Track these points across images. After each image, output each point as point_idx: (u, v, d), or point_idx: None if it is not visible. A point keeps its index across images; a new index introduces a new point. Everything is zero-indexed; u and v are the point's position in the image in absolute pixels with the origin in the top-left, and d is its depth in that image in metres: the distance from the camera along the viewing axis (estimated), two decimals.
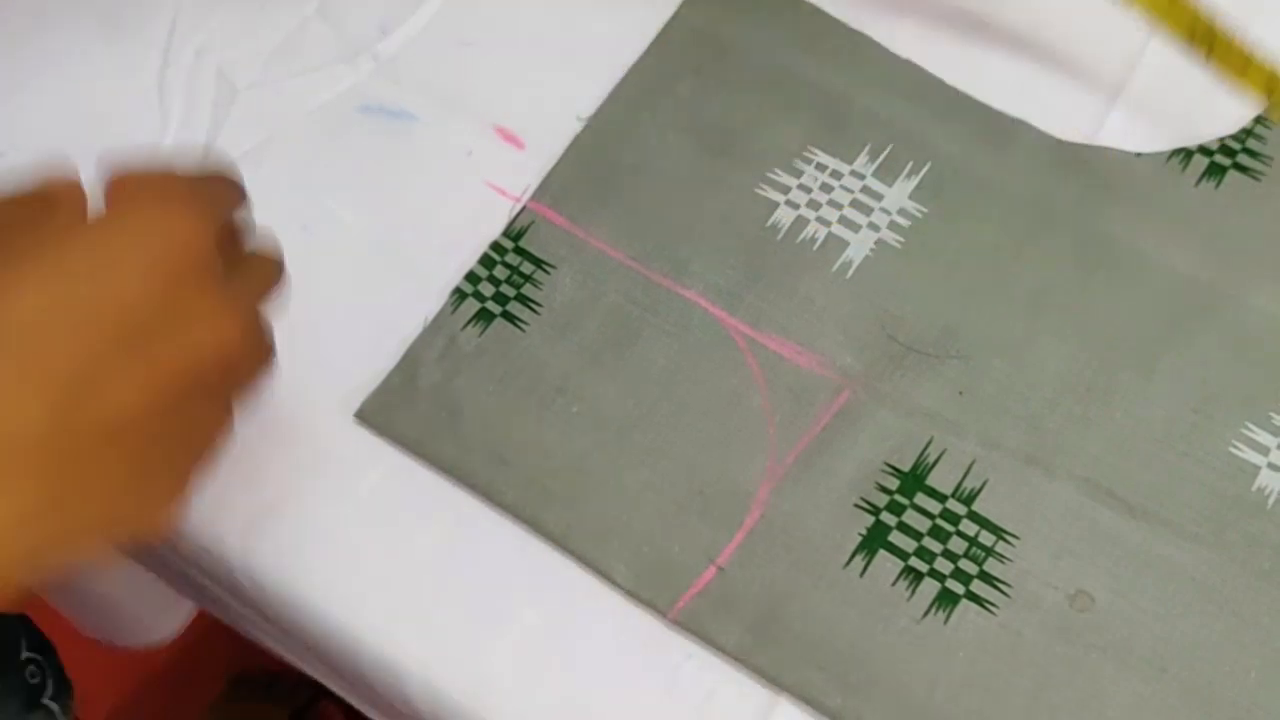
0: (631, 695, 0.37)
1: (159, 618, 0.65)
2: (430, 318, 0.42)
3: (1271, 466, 0.38)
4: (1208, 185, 0.43)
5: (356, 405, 0.40)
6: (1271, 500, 0.38)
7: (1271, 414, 0.39)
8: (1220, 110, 0.44)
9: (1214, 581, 0.37)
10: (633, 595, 0.37)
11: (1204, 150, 0.43)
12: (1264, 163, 0.43)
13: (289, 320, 0.43)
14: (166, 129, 0.46)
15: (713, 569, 0.38)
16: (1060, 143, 0.43)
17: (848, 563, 0.38)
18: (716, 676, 0.37)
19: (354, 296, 0.43)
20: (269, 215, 0.44)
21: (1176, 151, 0.43)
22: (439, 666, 0.37)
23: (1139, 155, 0.43)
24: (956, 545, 0.38)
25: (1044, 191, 0.43)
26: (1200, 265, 0.41)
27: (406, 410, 0.40)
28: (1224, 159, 0.43)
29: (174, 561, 0.44)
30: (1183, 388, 0.40)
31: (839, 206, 0.43)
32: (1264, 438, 0.39)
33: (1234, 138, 0.43)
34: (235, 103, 0.46)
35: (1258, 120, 0.43)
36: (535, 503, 0.39)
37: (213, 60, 0.47)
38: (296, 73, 0.47)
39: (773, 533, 0.38)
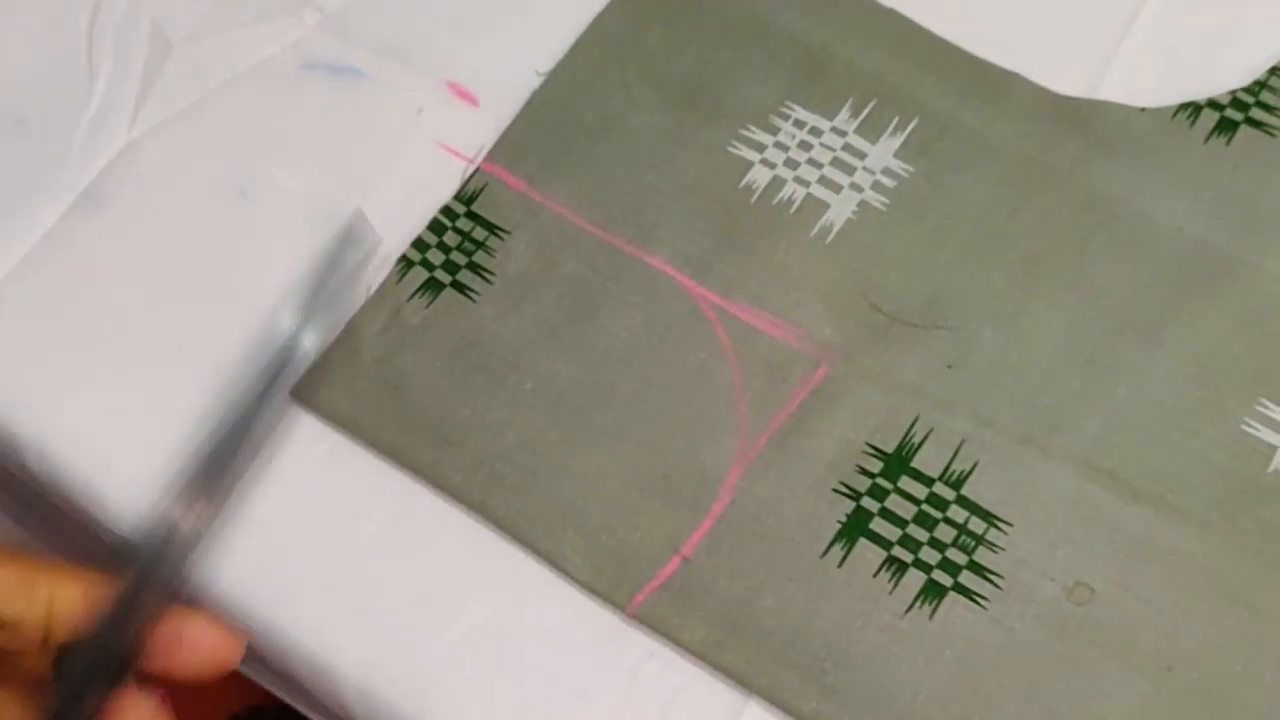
0: (587, 697, 0.33)
1: None
2: (374, 288, 0.38)
3: None
4: (1218, 142, 0.39)
5: (292, 382, 0.37)
6: None
7: None
8: (1232, 60, 0.41)
9: (1225, 572, 0.34)
10: (588, 588, 0.34)
11: (1213, 104, 0.40)
12: (1279, 117, 0.39)
13: (226, 290, 0.40)
14: (94, 86, 0.42)
15: (677, 559, 0.34)
16: (1057, 96, 0.40)
17: (825, 552, 0.34)
18: (680, 677, 0.33)
19: (293, 266, 0.39)
20: (202, 179, 0.41)
21: (1184, 106, 0.40)
22: (376, 667, 0.34)
23: (1143, 110, 0.40)
24: (944, 533, 0.34)
25: (1040, 149, 0.39)
26: (1210, 228, 0.38)
27: (346, 388, 0.37)
28: (1235, 113, 0.39)
29: None
30: (1191, 361, 0.36)
31: (819, 166, 0.39)
32: None
33: (1246, 90, 0.40)
34: (169, 58, 0.43)
35: (1273, 71, 0.40)
36: (484, 487, 0.35)
37: (147, 11, 0.43)
38: (236, 26, 0.43)
39: (743, 520, 0.35)
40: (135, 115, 0.42)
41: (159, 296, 0.39)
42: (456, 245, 0.39)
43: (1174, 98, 0.40)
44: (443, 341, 0.38)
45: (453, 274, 0.39)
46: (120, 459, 0.37)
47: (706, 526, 0.35)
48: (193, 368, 0.38)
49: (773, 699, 0.33)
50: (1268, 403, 0.36)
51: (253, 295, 0.39)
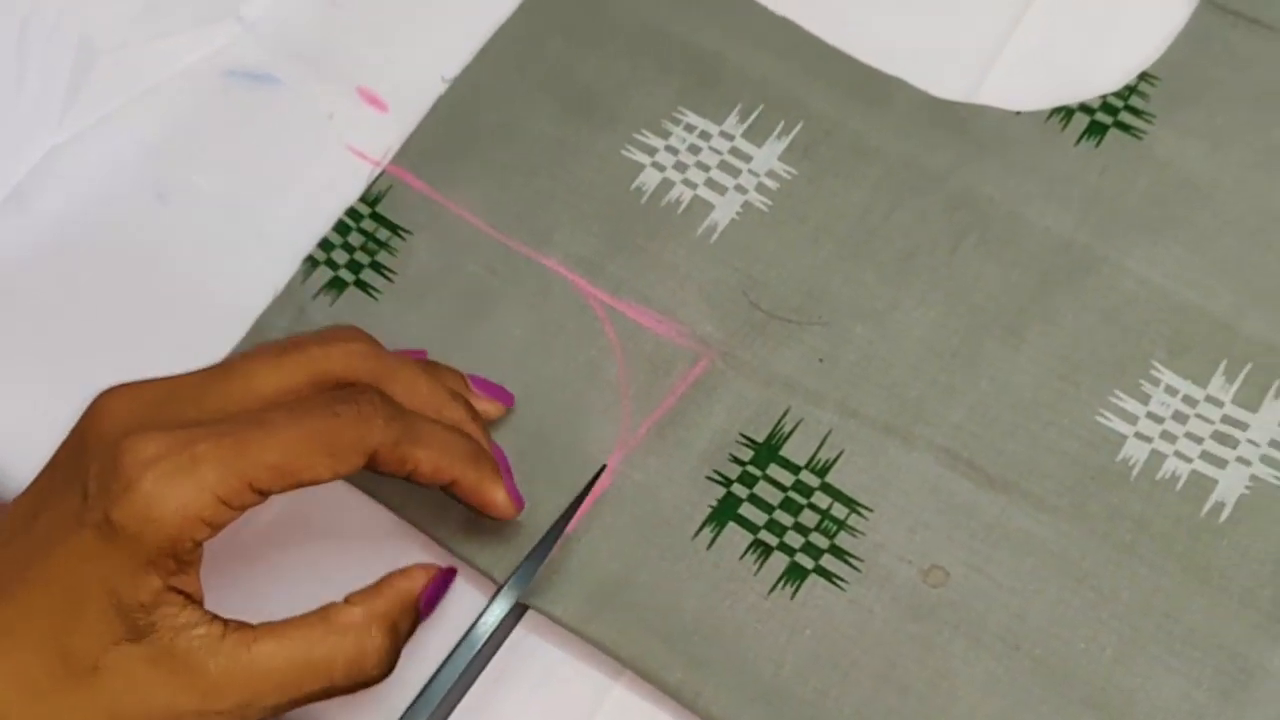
0: None
1: None
2: (281, 288, 0.40)
3: (1139, 436, 0.37)
4: (1088, 144, 0.41)
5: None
6: (1135, 471, 0.36)
7: (1141, 381, 0.38)
8: (1106, 66, 0.42)
9: (1073, 555, 0.36)
10: (468, 562, 0.36)
11: (1085, 108, 0.41)
12: (1147, 120, 0.41)
13: (143, 291, 0.42)
14: (21, 92, 0.44)
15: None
16: (937, 101, 0.42)
17: (696, 534, 0.36)
18: (557, 650, 0.36)
19: (207, 267, 0.41)
20: (123, 183, 0.43)
21: (1057, 110, 0.42)
22: None
23: (1018, 114, 0.42)
24: (808, 518, 0.36)
25: (918, 151, 0.41)
26: (1076, 227, 0.40)
27: None
28: (1105, 117, 0.41)
29: None
30: (1052, 354, 0.38)
31: (706, 168, 0.41)
32: (1133, 406, 0.37)
33: (1117, 95, 0.42)
34: (95, 66, 0.45)
35: (1143, 77, 0.42)
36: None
37: (76, 21, 0.45)
38: (160, 35, 0.45)
39: (621, 502, 0.37)
40: (61, 120, 0.44)
41: (79, 298, 0.41)
42: (360, 245, 0.41)
43: (1048, 102, 0.42)
44: None
45: (356, 273, 0.41)
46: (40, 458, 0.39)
47: (586, 508, 0.37)
48: (113, 368, 0.40)
49: (641, 669, 0.35)
50: (1120, 394, 0.37)
51: (169, 297, 0.41)
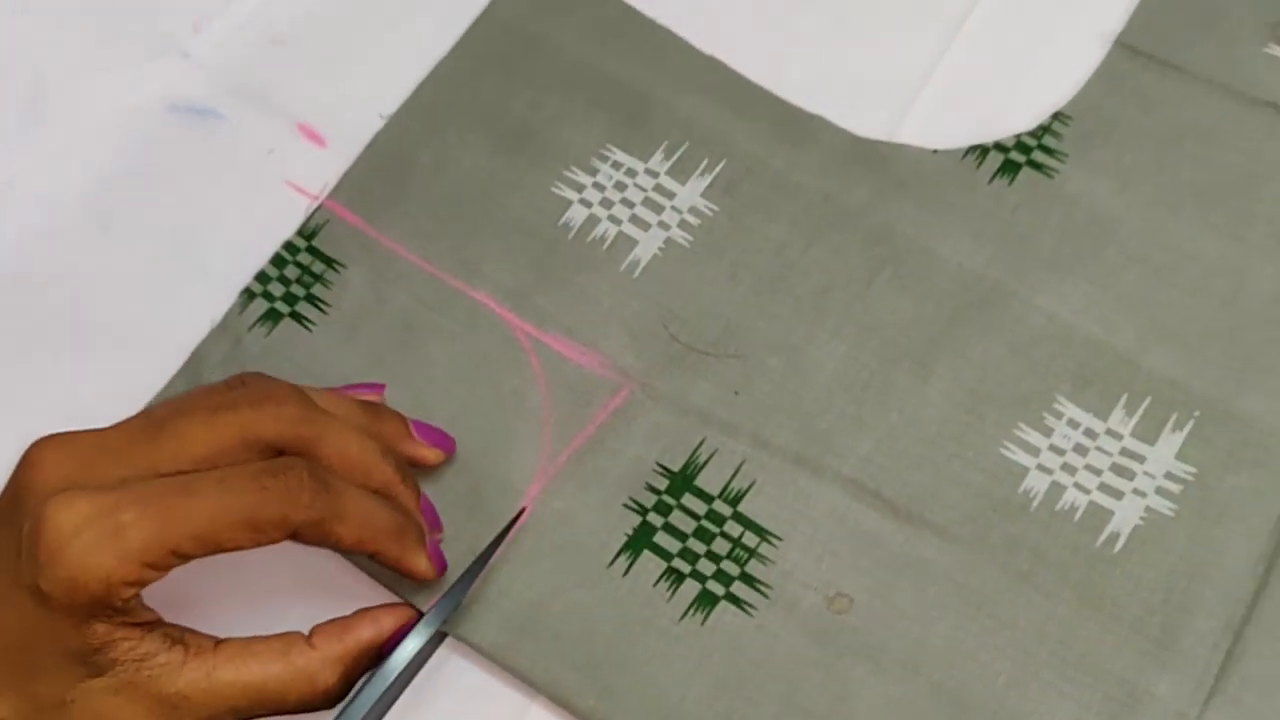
0: None
1: None
2: (218, 320, 0.42)
3: (1040, 468, 0.38)
4: (1001, 182, 0.42)
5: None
6: (1036, 503, 0.38)
7: (1045, 414, 0.39)
8: (1022, 106, 0.44)
9: (973, 584, 0.37)
10: (390, 589, 0.37)
11: (999, 147, 0.43)
12: (1059, 159, 0.42)
13: (83, 321, 0.43)
14: None
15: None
16: (856, 139, 0.43)
17: (611, 562, 0.38)
18: (473, 677, 0.37)
19: (147, 298, 0.43)
20: (69, 213, 0.45)
21: (973, 148, 0.43)
22: None
23: (935, 152, 0.43)
24: (720, 546, 0.38)
25: (837, 189, 0.42)
26: (987, 263, 0.41)
27: None
28: (1019, 156, 0.43)
29: None
30: (959, 387, 0.39)
31: (631, 205, 0.43)
32: (1035, 438, 0.39)
33: (1031, 134, 0.43)
34: (46, 98, 0.46)
35: (1056, 116, 0.43)
36: None
37: (29, 54, 0.47)
38: (110, 68, 0.46)
39: (540, 530, 0.38)
40: (9, 153, 0.45)
41: (22, 325, 0.42)
42: (296, 278, 0.42)
43: (966, 140, 0.43)
44: (279, 369, 0.41)
45: (291, 305, 0.42)
46: None
47: (508, 541, 0.38)
48: (53, 396, 0.41)
49: (554, 696, 0.36)
50: (1025, 426, 0.39)
51: (108, 325, 0.42)
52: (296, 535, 0.32)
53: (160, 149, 0.45)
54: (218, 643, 0.33)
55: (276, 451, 0.33)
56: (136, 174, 0.45)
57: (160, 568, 0.31)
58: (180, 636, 0.32)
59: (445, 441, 0.39)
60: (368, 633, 0.34)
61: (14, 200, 0.44)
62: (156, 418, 0.33)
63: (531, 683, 0.36)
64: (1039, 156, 0.43)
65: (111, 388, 0.40)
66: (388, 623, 0.35)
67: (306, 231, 0.43)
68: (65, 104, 0.46)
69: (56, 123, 0.46)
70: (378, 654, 0.35)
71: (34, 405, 0.41)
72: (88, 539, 0.29)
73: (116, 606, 0.30)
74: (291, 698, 0.33)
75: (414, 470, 0.37)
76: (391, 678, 0.35)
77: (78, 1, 0.48)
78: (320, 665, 0.33)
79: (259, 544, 0.32)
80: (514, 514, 0.38)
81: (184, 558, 0.31)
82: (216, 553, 0.31)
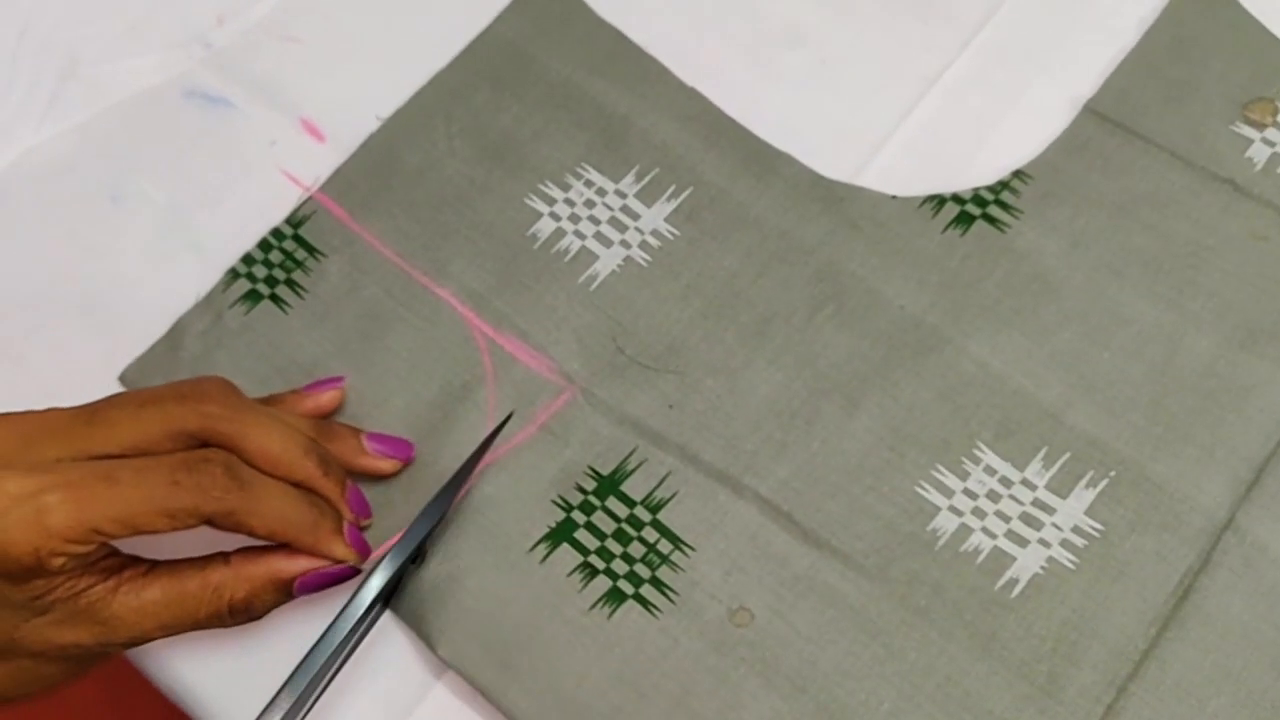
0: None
1: None
2: (203, 295, 0.45)
3: (952, 509, 0.39)
4: (954, 232, 0.44)
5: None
6: (941, 542, 0.39)
7: (964, 459, 0.40)
8: (985, 161, 0.45)
9: (870, 613, 0.38)
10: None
11: (957, 198, 0.44)
12: (1014, 215, 0.44)
13: (86, 282, 0.46)
14: (10, 96, 0.49)
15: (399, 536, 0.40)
16: (819, 178, 0.45)
17: (531, 549, 0.40)
18: (386, 648, 0.39)
19: (145, 269, 0.46)
20: (84, 184, 0.48)
21: (930, 197, 0.44)
22: None
23: (894, 198, 0.44)
24: (636, 549, 0.40)
25: (793, 224, 0.44)
26: (928, 308, 0.43)
27: (166, 377, 0.43)
28: (975, 208, 0.44)
29: None
30: (884, 424, 0.41)
31: (597, 222, 0.45)
32: (951, 481, 0.40)
33: (989, 189, 0.44)
34: (75, 77, 0.50)
35: (1016, 174, 0.44)
36: None
37: (65, 36, 0.50)
38: (134, 54, 0.50)
39: (470, 512, 0.40)
40: (39, 124, 0.49)
41: (28, 284, 0.46)
42: (279, 263, 0.45)
43: (926, 189, 0.45)
44: (254, 346, 0.44)
45: (272, 288, 0.45)
46: None
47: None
48: (49, 347, 0.44)
49: (457, 667, 0.38)
50: (942, 468, 0.40)
51: (106, 289, 0.45)
52: (210, 523, 0.35)
53: (172, 131, 0.48)
54: (151, 566, 0.36)
55: (202, 443, 0.36)
56: (149, 152, 0.48)
57: (86, 543, 0.33)
58: (118, 567, 0.35)
59: (402, 449, 0.41)
60: (281, 563, 0.37)
61: (35, 166, 0.48)
62: (94, 406, 0.36)
63: (436, 652, 0.38)
64: (994, 210, 0.44)
65: (104, 345, 0.44)
66: (303, 562, 0.37)
67: (295, 220, 0.46)
68: (92, 84, 0.49)
69: (82, 100, 0.49)
70: (286, 590, 0.37)
71: (31, 362, 0.44)
72: (14, 517, 0.32)
73: (52, 570, 0.33)
74: (202, 612, 0.36)
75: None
76: (366, 603, 0.37)
77: None
78: (231, 581, 0.36)
79: (175, 529, 0.34)
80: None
81: (107, 536, 0.33)
82: (137, 534, 0.34)
